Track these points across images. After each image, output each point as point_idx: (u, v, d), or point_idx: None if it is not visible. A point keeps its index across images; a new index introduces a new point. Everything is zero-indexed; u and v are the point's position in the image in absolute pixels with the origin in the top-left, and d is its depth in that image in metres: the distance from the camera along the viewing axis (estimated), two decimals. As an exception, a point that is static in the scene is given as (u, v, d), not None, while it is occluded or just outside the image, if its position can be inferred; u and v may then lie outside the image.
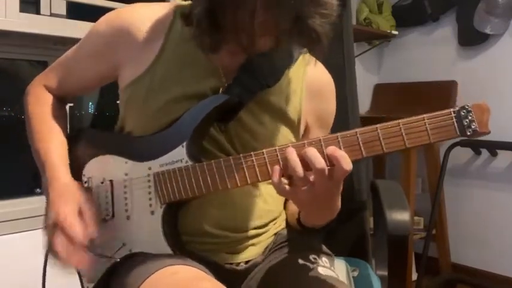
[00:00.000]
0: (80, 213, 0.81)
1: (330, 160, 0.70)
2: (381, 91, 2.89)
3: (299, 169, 0.70)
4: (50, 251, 0.82)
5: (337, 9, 0.73)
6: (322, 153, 0.71)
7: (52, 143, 0.91)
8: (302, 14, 0.70)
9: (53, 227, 0.80)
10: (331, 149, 0.70)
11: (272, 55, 0.83)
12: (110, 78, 0.94)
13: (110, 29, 0.89)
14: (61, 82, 0.97)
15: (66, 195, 0.83)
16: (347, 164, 0.69)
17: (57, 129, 0.94)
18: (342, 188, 0.75)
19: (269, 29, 0.72)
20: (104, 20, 0.92)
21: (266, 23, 0.70)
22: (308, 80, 0.93)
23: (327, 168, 0.70)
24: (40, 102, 0.97)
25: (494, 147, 2.44)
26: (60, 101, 1.00)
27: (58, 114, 0.97)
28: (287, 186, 0.72)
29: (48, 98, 0.97)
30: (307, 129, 0.96)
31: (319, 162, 0.69)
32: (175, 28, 0.87)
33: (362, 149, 0.71)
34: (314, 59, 0.90)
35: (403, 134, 0.70)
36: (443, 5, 2.61)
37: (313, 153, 0.70)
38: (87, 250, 0.79)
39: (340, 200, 0.79)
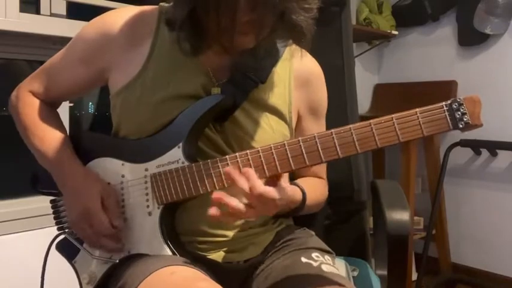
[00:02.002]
0: (102, 201, 0.85)
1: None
2: (381, 91, 2.89)
3: (242, 195, 0.73)
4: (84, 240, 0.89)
5: (317, 2, 0.75)
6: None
7: (54, 141, 0.92)
8: (286, 10, 0.72)
9: (81, 219, 0.84)
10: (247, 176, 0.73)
11: (259, 51, 0.84)
12: (99, 83, 0.95)
13: (96, 34, 0.90)
14: (48, 88, 0.97)
15: (86, 188, 0.86)
16: (258, 191, 0.72)
17: (54, 128, 0.95)
18: (281, 201, 0.76)
19: (254, 27, 0.73)
20: (90, 25, 0.93)
21: (250, 22, 0.71)
22: (295, 71, 0.95)
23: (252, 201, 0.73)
24: (31, 108, 0.96)
25: (494, 147, 2.44)
26: (48, 105, 0.99)
27: (50, 116, 0.97)
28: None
29: (37, 104, 0.97)
30: (299, 120, 0.97)
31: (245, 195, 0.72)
32: (162, 30, 0.88)
33: (356, 144, 0.72)
34: (300, 49, 0.90)
35: (397, 129, 0.71)
36: (443, 5, 2.61)
37: (242, 185, 0.72)
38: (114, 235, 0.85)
39: (293, 198, 0.83)
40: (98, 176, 0.88)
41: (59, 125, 0.97)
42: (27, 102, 0.97)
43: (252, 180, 0.72)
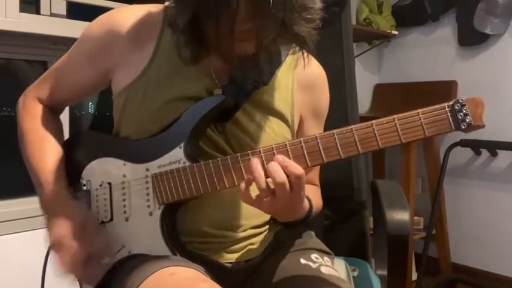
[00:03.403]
0: (84, 227, 0.82)
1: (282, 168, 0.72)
2: (381, 91, 2.89)
3: (262, 181, 0.72)
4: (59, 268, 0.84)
5: (320, 12, 0.74)
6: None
7: (47, 162, 0.90)
8: (287, 20, 0.71)
9: (55, 246, 0.83)
10: (279, 159, 0.72)
11: (262, 56, 0.84)
12: (102, 84, 0.94)
13: (101, 32, 0.90)
14: (54, 92, 0.96)
15: (63, 216, 0.83)
16: (296, 169, 0.71)
17: (52, 145, 0.93)
18: (304, 197, 0.77)
19: (253, 35, 0.73)
20: (95, 23, 0.92)
21: (251, 30, 0.71)
22: (299, 74, 0.94)
23: (287, 181, 0.71)
24: (33, 117, 0.95)
25: (494, 147, 2.44)
26: (53, 112, 0.99)
27: (52, 127, 0.96)
28: (253, 195, 0.74)
29: (41, 112, 0.96)
30: (301, 123, 0.97)
31: (280, 175, 0.71)
32: (166, 31, 0.87)
33: (358, 145, 0.72)
34: (304, 53, 0.90)
35: (398, 130, 0.70)
36: (443, 5, 2.61)
37: (274, 167, 0.71)
38: (91, 262, 0.82)
39: (304, 204, 0.81)
40: (78, 204, 0.88)
41: (55, 139, 0.95)
42: (30, 111, 0.96)
43: (286, 161, 0.72)
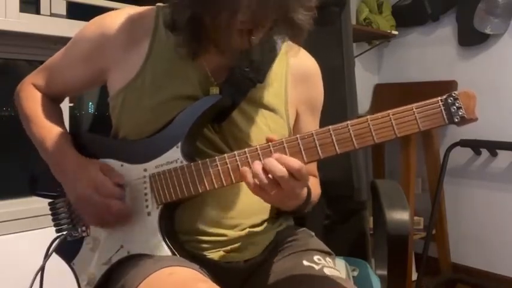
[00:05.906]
0: (103, 170, 0.85)
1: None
2: (381, 91, 2.89)
3: (265, 181, 0.73)
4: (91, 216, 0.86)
5: (316, 1, 0.75)
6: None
7: (52, 128, 0.93)
8: (286, 9, 0.72)
9: (86, 189, 0.83)
10: (276, 157, 0.73)
11: (257, 51, 0.84)
12: (97, 83, 0.96)
13: (95, 33, 0.91)
14: (49, 84, 0.99)
15: (85, 165, 0.86)
16: (296, 163, 0.73)
17: (53, 118, 0.96)
18: (307, 183, 0.78)
19: (253, 27, 0.73)
20: (89, 25, 0.94)
21: (250, 22, 0.71)
22: (292, 68, 0.95)
23: (287, 173, 0.72)
24: (33, 99, 0.98)
25: (494, 147, 2.43)
26: (50, 99, 1.00)
27: (52, 109, 0.98)
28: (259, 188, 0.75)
29: (40, 96, 0.99)
30: (298, 117, 0.98)
31: (280, 170, 0.72)
32: (159, 30, 0.88)
33: (354, 140, 0.73)
34: (296, 46, 0.90)
35: (393, 124, 0.71)
36: (443, 5, 2.61)
37: (271, 162, 0.73)
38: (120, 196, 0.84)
39: (305, 190, 0.82)
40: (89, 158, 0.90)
41: (57, 116, 0.98)
42: (29, 93, 0.99)
43: (282, 157, 0.73)
